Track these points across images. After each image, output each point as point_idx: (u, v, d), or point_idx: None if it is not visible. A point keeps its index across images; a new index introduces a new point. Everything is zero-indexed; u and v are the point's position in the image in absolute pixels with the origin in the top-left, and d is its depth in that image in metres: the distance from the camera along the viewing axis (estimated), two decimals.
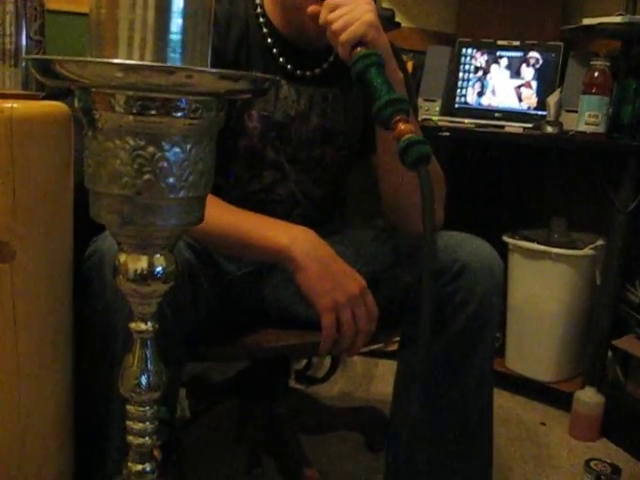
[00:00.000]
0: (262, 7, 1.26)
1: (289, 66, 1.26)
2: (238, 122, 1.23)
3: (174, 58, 0.57)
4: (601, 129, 1.90)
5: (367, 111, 1.32)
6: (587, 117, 1.89)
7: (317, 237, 1.13)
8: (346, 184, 1.47)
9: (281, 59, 1.25)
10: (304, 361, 1.87)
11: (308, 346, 1.23)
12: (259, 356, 1.39)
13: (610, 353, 2.01)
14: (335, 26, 1.04)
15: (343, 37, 1.02)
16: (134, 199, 0.58)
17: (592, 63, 1.92)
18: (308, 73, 1.28)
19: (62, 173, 0.92)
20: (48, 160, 0.90)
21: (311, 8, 1.11)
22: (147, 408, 0.68)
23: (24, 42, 0.95)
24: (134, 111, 0.56)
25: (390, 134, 0.86)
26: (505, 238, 2.16)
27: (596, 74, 1.90)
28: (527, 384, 2.19)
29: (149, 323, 0.66)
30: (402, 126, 0.81)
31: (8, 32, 0.94)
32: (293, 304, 1.27)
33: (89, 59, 0.54)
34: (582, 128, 1.90)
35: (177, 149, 0.58)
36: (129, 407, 0.68)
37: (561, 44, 2.24)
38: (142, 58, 0.57)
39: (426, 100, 2.32)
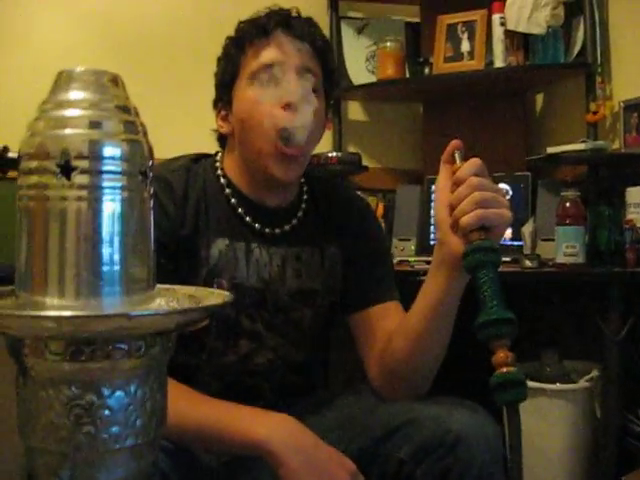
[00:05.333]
0: (222, 169, 1.24)
1: (257, 225, 1.22)
2: None
3: (112, 292, 0.51)
4: (580, 259, 1.85)
5: (345, 269, 1.28)
6: (565, 248, 1.85)
7: (297, 424, 1.04)
8: (328, 346, 1.40)
9: (248, 218, 1.22)
10: None
11: None
12: None
13: None
14: (474, 198, 0.96)
15: (477, 212, 0.94)
16: (73, 455, 0.51)
17: (563, 194, 1.90)
18: (277, 231, 1.23)
19: None
20: None
21: (456, 142, 1.08)
22: None
23: None
24: (68, 358, 0.49)
25: (492, 357, 0.80)
26: None
27: (568, 204, 1.87)
28: None
29: None
30: (501, 354, 0.76)
31: None
32: None
33: (16, 312, 0.48)
34: (561, 260, 1.86)
35: (120, 393, 0.51)
36: None
37: (528, 174, 2.24)
38: (77, 294, 0.51)
39: (401, 240, 2.28)
